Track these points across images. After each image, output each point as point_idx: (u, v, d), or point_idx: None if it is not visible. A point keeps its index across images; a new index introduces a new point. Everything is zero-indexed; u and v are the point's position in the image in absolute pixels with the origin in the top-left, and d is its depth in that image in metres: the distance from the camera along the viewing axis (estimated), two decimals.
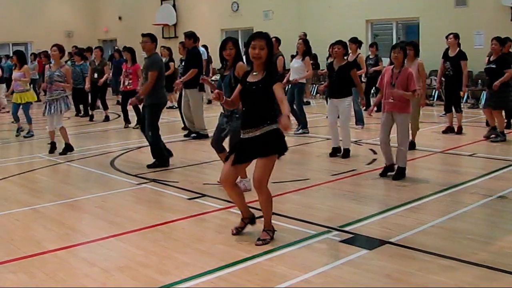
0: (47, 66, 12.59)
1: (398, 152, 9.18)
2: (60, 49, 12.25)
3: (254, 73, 6.26)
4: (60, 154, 12.14)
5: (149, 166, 10.56)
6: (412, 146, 11.12)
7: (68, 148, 12.31)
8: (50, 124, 12.26)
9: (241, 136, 6.36)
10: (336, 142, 11.09)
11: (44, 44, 28.28)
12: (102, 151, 12.53)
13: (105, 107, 18.24)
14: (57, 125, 12.18)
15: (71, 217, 7.82)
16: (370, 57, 17.82)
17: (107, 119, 18.13)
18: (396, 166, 9.29)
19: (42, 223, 7.44)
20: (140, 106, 11.55)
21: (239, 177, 8.51)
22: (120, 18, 34.08)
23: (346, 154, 10.95)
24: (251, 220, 6.70)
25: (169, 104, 20.63)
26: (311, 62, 14.66)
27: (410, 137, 10.74)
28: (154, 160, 10.69)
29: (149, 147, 10.90)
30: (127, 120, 16.33)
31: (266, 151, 6.18)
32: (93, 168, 10.82)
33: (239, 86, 6.47)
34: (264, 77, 6.17)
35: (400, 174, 9.19)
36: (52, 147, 12.38)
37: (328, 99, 11.18)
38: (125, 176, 10.00)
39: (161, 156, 10.69)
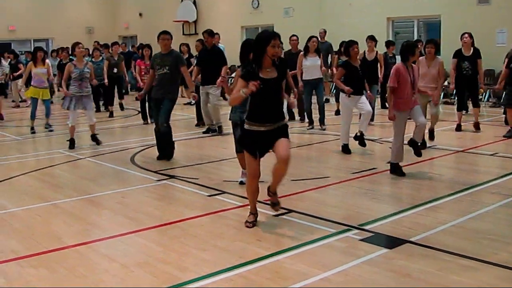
0: (69, 63, 12.66)
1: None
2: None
3: (268, 70, 6.55)
4: (98, 143, 12.84)
5: (169, 157, 10.92)
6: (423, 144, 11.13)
7: (97, 140, 12.94)
8: (74, 119, 12.43)
9: (256, 129, 6.59)
10: (348, 139, 11.32)
11: (65, 41, 28.47)
12: (122, 147, 12.57)
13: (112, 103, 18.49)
14: (92, 120, 12.79)
15: (91, 212, 7.86)
16: (389, 55, 17.76)
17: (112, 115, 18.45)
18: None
19: (62, 219, 7.48)
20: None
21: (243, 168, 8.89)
22: (140, 14, 34.18)
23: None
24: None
25: (186, 100, 20.72)
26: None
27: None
28: (166, 152, 11.05)
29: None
30: (145, 117, 16.37)
31: (286, 134, 6.68)
32: (113, 164, 10.86)
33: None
34: (279, 73, 6.62)
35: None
36: (72, 143, 12.52)
37: (348, 96, 11.07)
38: (145, 172, 10.03)
39: (173, 144, 11.13)
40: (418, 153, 9.55)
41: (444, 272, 5.40)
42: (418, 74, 9.47)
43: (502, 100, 13.49)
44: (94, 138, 12.99)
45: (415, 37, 22.48)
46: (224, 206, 7.80)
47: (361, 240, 6.34)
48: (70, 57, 21.75)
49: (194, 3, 30.50)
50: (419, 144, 9.55)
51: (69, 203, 8.23)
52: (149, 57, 16.33)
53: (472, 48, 13.29)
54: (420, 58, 11.20)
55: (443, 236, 6.47)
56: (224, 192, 8.50)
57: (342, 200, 8.12)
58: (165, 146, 11.05)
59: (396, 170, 9.37)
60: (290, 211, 7.26)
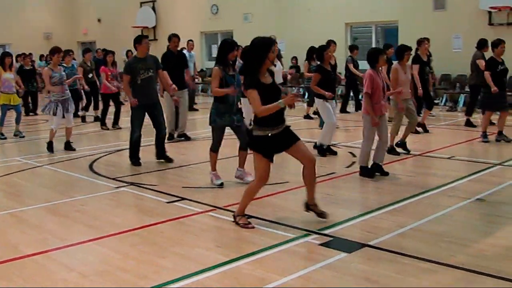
0: (46, 68, 12.65)
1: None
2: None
3: (265, 75, 6.76)
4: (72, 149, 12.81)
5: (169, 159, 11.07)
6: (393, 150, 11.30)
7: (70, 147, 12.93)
8: (57, 124, 12.46)
9: (268, 134, 6.71)
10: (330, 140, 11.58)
11: (23, 46, 28.20)
12: (80, 154, 12.44)
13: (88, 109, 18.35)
14: (71, 123, 12.87)
15: (49, 221, 7.75)
16: (355, 59, 18.07)
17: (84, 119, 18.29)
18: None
19: (19, 228, 7.39)
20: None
21: (239, 167, 9.20)
22: (99, 20, 33.93)
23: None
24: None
25: None
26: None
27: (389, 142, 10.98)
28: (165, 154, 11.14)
29: (126, 151, 10.93)
30: (105, 123, 16.29)
31: (296, 135, 6.96)
32: (72, 171, 10.75)
33: (253, 89, 6.66)
34: (272, 77, 6.86)
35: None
36: (51, 146, 12.57)
37: (327, 101, 11.18)
38: (104, 180, 9.95)
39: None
40: (385, 173, 9.61)
41: (403, 275, 5.45)
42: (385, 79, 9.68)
43: (478, 103, 13.67)
44: (68, 145, 12.90)
45: (373, 42, 22.73)
46: (183, 213, 7.76)
47: (320, 244, 6.37)
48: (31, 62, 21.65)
49: (153, 8, 30.40)
50: (381, 165, 9.64)
51: (26, 212, 8.12)
52: (111, 64, 16.37)
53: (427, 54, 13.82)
54: (396, 65, 11.29)
55: (402, 239, 6.53)
56: (183, 199, 8.46)
57: (301, 205, 8.11)
58: (163, 147, 11.14)
59: (365, 172, 9.47)
60: (249, 216, 7.25)
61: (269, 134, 6.69)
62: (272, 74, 6.89)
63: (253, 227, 6.87)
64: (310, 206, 7.21)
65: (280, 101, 6.52)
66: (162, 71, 11.05)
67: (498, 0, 18.46)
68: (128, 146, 11.16)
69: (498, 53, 12.43)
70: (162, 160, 11.08)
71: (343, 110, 18.35)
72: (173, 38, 13.73)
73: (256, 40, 6.75)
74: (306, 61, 16.14)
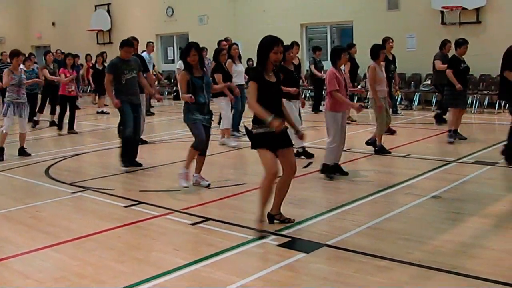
0: (7, 70, 12.41)
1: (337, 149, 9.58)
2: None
3: (270, 74, 6.77)
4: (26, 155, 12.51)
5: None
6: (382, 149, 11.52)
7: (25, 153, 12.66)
8: (7, 126, 12.27)
9: (269, 131, 6.57)
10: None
11: None
12: (35, 160, 12.27)
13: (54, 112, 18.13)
14: (25, 129, 12.62)
15: (4, 228, 7.62)
16: (317, 60, 18.19)
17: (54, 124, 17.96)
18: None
19: None
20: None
21: (195, 173, 9.07)
22: (53, 23, 33.57)
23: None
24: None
25: (99, 109, 20.57)
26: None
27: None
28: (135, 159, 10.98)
29: (82, 156, 10.78)
30: (61, 126, 16.14)
31: (290, 140, 6.96)
32: (26, 177, 10.61)
33: (253, 82, 6.69)
34: (277, 78, 6.89)
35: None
36: (2, 153, 12.31)
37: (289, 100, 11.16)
38: (59, 185, 9.82)
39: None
40: (345, 173, 9.64)
41: (361, 273, 5.49)
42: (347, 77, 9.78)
43: (442, 100, 13.84)
44: (22, 151, 12.64)
45: (329, 42, 22.89)
46: (141, 217, 7.71)
47: (279, 245, 6.38)
48: None
49: (108, 11, 30.17)
50: (330, 165, 9.62)
51: None
52: (71, 66, 16.27)
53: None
54: (373, 64, 11.39)
55: (359, 238, 6.58)
56: (141, 203, 8.40)
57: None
58: (136, 152, 11.00)
59: (329, 170, 9.50)
60: (207, 219, 7.25)
61: (273, 130, 6.56)
62: (278, 75, 6.94)
63: (293, 221, 7.07)
64: (275, 216, 7.08)
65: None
66: (141, 72, 11.11)
67: (450, 0, 18.73)
68: (88, 151, 11.01)
69: (460, 53, 12.53)
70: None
71: (316, 109, 18.49)
72: (133, 41, 13.49)
73: (262, 39, 6.94)
74: None
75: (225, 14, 25.01)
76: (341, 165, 9.73)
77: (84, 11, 31.01)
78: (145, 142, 13.67)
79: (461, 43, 12.59)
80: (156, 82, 21.38)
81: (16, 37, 33.89)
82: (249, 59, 21.58)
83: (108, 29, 30.04)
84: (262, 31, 22.63)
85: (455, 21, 18.99)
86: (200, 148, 8.97)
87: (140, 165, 10.88)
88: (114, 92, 10.64)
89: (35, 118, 18.17)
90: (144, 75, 11.96)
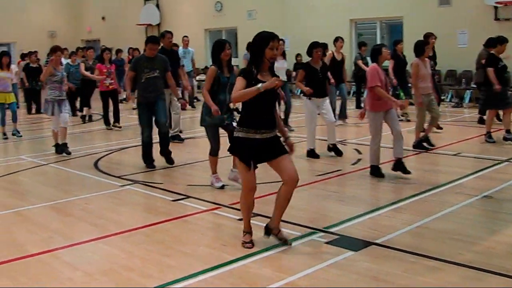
0: (49, 66, 12.45)
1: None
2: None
3: (265, 73, 6.15)
4: (67, 153, 12.28)
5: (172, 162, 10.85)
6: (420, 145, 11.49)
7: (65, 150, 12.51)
8: (57, 124, 12.29)
9: (252, 137, 6.04)
10: (314, 143, 11.16)
11: (27, 45, 28.13)
12: (85, 153, 12.42)
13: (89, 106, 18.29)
14: (67, 123, 12.46)
15: (54, 220, 7.73)
16: (363, 56, 18.02)
17: (90, 119, 18.13)
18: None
19: (25, 226, 7.36)
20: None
21: (233, 168, 8.75)
22: (103, 18, 33.90)
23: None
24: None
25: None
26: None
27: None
28: (168, 154, 10.90)
29: (129, 149, 10.84)
30: (108, 122, 16.24)
31: (284, 148, 6.22)
32: (77, 170, 10.73)
33: (242, 78, 6.08)
34: (273, 77, 6.13)
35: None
36: (58, 147, 12.39)
37: (309, 99, 11.02)
38: (109, 178, 9.91)
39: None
40: (407, 172, 9.34)
41: (410, 274, 5.41)
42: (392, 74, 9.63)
43: (479, 101, 13.59)
44: (63, 147, 12.46)
45: (378, 39, 22.68)
46: (188, 211, 7.74)
47: (327, 243, 6.33)
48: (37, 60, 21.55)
49: (157, 6, 30.35)
50: (402, 159, 9.45)
51: (32, 211, 8.10)
52: (109, 61, 16.27)
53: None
54: (417, 61, 11.28)
55: (408, 237, 6.50)
56: (188, 197, 8.43)
57: (307, 203, 8.10)
58: (166, 146, 10.88)
59: (375, 171, 9.38)
60: (255, 214, 7.19)
61: (256, 137, 6.04)
62: (274, 75, 6.24)
63: (250, 247, 6.19)
64: (272, 230, 6.35)
65: (258, 85, 5.88)
66: (169, 72, 10.79)
67: None
68: (135, 145, 11.06)
69: (499, 51, 12.24)
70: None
71: (358, 106, 18.32)
72: (167, 34, 13.24)
73: (257, 34, 6.20)
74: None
75: (274, 9, 24.95)
76: (388, 163, 9.58)
77: (133, 5, 31.24)
78: (181, 140, 13.59)
79: (502, 41, 12.26)
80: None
81: (67, 31, 34.38)
82: (298, 55, 21.52)
83: (157, 23, 30.21)
84: (311, 26, 22.91)
85: (509, 17, 18.63)
86: (216, 154, 8.94)
87: (171, 162, 10.79)
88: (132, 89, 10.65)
89: (83, 113, 18.38)
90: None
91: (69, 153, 12.24)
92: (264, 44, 6.04)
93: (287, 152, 6.20)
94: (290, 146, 6.36)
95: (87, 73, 16.81)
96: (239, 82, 6.04)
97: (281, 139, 6.29)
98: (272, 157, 6.12)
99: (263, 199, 7.66)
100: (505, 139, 12.12)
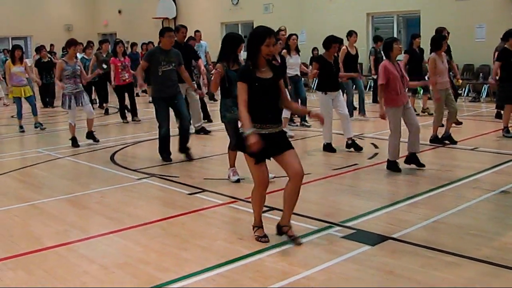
0: (60, 61, 12.49)
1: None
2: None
3: (263, 69, 6.05)
4: (94, 140, 12.74)
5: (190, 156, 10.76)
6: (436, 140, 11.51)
7: (94, 137, 12.87)
8: (74, 117, 12.36)
9: (257, 133, 5.85)
10: (331, 137, 11.09)
11: (44, 38, 28.28)
12: (101, 146, 12.46)
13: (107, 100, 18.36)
14: (92, 114, 12.68)
15: (70, 213, 7.76)
16: (377, 50, 17.90)
17: (107, 112, 18.28)
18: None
19: (41, 219, 7.39)
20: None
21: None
22: (120, 11, 33.97)
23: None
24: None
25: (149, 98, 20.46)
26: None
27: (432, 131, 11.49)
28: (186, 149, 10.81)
29: (145, 143, 10.83)
30: (125, 116, 16.29)
31: (289, 143, 6.19)
32: (92, 163, 10.78)
33: (242, 83, 6.02)
34: (274, 73, 6.10)
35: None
36: (75, 141, 12.47)
37: (325, 93, 10.95)
38: (125, 171, 9.94)
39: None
40: (421, 165, 9.40)
41: (427, 269, 5.38)
42: (404, 69, 9.52)
43: (496, 96, 13.45)
44: (91, 135, 12.79)
45: (395, 33, 22.57)
46: (205, 205, 7.74)
47: (343, 237, 6.31)
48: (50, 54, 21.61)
49: (174, 0, 30.38)
50: (417, 154, 9.44)
51: (48, 204, 8.14)
52: (122, 54, 16.24)
53: None
54: (434, 55, 11.23)
55: (425, 232, 6.46)
56: (204, 190, 8.43)
57: (323, 197, 8.09)
58: (186, 142, 10.76)
59: (392, 166, 9.32)
60: (271, 208, 7.20)
61: (261, 133, 5.93)
62: (274, 68, 6.17)
63: (267, 241, 6.18)
64: (283, 228, 6.29)
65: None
66: (182, 65, 10.72)
67: None
68: (151, 138, 11.05)
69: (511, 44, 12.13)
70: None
71: (375, 100, 18.24)
72: (181, 29, 13.16)
73: (253, 29, 6.13)
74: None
75: (291, 3, 24.90)
76: (404, 157, 9.53)
77: None
78: (207, 132, 13.60)
79: (511, 33, 12.12)
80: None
81: (83, 25, 34.49)
82: (314, 48, 21.47)
83: (174, 17, 30.22)
84: (327, 20, 22.84)
85: None
86: (236, 148, 8.84)
87: (191, 158, 10.70)
88: (148, 83, 10.58)
89: (105, 105, 18.54)
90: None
91: (97, 140, 12.61)
92: (260, 41, 5.93)
93: (293, 148, 6.15)
94: (317, 116, 6.31)
95: (87, 76, 16.84)
96: (241, 88, 5.98)
97: (307, 114, 6.30)
98: (278, 152, 6.08)
99: (278, 193, 7.61)
100: None
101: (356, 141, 11.04)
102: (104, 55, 17.87)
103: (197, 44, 18.65)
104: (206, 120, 14.61)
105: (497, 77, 12.30)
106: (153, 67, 10.32)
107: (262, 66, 6.05)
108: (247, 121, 5.84)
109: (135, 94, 16.84)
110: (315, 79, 11.65)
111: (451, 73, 13.36)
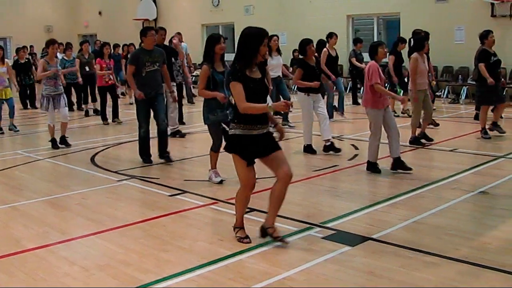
0: (42, 61, 12.34)
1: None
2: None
3: (254, 69, 6.03)
4: (67, 146, 12.47)
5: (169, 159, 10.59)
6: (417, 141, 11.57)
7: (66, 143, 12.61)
8: (53, 119, 12.24)
9: (248, 133, 5.96)
10: (311, 138, 11.10)
11: (23, 39, 28.13)
12: (82, 148, 12.41)
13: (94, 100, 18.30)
14: (66, 118, 12.46)
15: (50, 214, 7.73)
16: (357, 52, 17.98)
17: (87, 113, 18.17)
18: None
19: (21, 221, 7.36)
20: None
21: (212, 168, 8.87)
22: (100, 13, 33.85)
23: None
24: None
25: (129, 100, 20.33)
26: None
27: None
28: (166, 152, 10.67)
29: (126, 144, 10.80)
30: (105, 117, 16.20)
31: (277, 144, 6.17)
32: (73, 164, 10.73)
33: (237, 82, 5.96)
34: (261, 72, 6.11)
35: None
36: (55, 143, 12.39)
37: (307, 94, 10.96)
38: (105, 173, 9.91)
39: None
40: (408, 168, 9.35)
41: (407, 269, 5.42)
42: (392, 70, 9.61)
43: (475, 98, 13.54)
44: (63, 140, 12.57)
45: (375, 34, 22.68)
46: (186, 206, 7.74)
47: (323, 238, 6.34)
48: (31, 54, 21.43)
49: (154, 1, 30.28)
50: (399, 156, 9.44)
51: (28, 205, 8.09)
52: (108, 56, 16.21)
53: None
54: (416, 55, 11.31)
55: (405, 232, 6.50)
56: (185, 192, 8.44)
57: (304, 198, 8.11)
58: (165, 144, 10.64)
59: (372, 167, 9.37)
60: (251, 210, 7.20)
61: (253, 133, 5.97)
62: (262, 69, 6.16)
63: (249, 242, 6.20)
64: (267, 229, 6.23)
65: (269, 105, 5.97)
66: (165, 65, 10.66)
67: None
68: (132, 140, 11.00)
69: (489, 44, 12.16)
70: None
71: (355, 102, 18.33)
72: (160, 31, 13.08)
73: (247, 30, 6.00)
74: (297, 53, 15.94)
75: (271, 5, 24.92)
76: (384, 159, 9.58)
77: (130, 0, 31.19)
78: (182, 135, 13.48)
79: (486, 35, 12.13)
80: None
81: (63, 26, 34.32)
82: (295, 50, 21.51)
83: (154, 18, 30.14)
84: (308, 22, 22.89)
85: (506, 13, 18.62)
86: (218, 149, 8.80)
87: (170, 161, 10.56)
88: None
89: (83, 107, 18.45)
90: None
91: (69, 145, 12.37)
92: (260, 42, 5.90)
93: (281, 148, 6.14)
94: (280, 131, 6.32)
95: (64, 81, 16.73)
96: (237, 88, 5.91)
97: (271, 128, 6.20)
98: (266, 153, 6.06)
99: (259, 194, 7.65)
100: (490, 129, 12.28)
101: (333, 144, 11.03)
102: (86, 57, 17.80)
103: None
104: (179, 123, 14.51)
105: (471, 79, 12.44)
106: (138, 68, 10.20)
107: (253, 67, 6.03)
108: (260, 106, 5.92)
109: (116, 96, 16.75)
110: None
111: (429, 74, 13.44)
